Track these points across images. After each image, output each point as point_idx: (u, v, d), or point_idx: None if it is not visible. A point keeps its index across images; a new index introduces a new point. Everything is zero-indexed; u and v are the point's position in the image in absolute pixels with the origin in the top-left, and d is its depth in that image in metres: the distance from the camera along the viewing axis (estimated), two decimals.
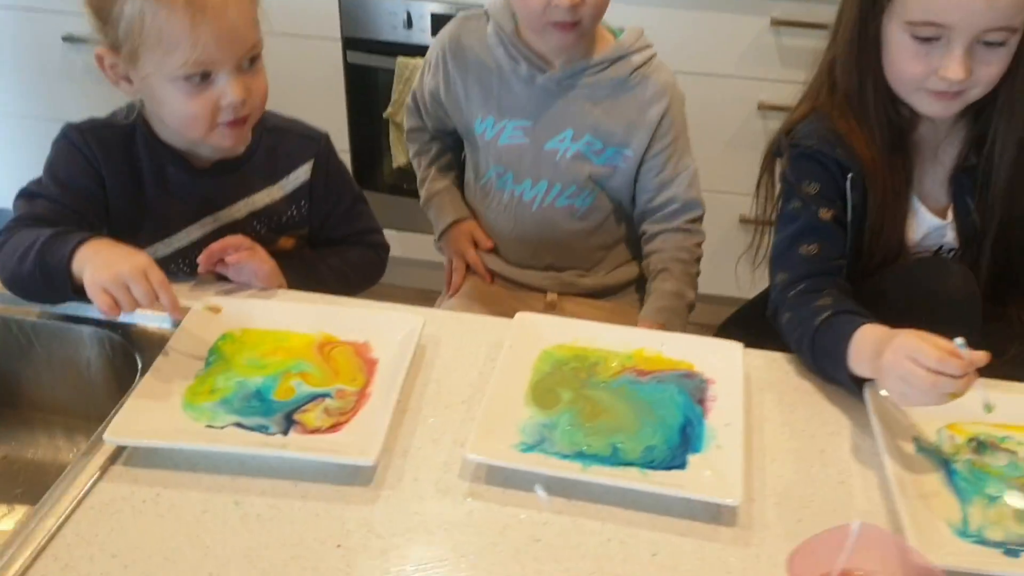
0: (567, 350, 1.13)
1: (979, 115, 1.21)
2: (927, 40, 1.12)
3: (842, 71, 1.23)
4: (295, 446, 0.97)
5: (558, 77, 1.41)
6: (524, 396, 1.05)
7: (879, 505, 0.95)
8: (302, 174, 1.33)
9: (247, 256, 1.21)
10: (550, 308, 1.52)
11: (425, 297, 2.58)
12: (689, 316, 1.46)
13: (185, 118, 1.16)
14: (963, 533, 0.90)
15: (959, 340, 0.95)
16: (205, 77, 1.13)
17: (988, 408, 0.97)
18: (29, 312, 1.19)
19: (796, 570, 0.78)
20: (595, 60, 1.40)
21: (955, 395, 0.94)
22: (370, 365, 1.09)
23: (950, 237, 1.25)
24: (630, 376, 1.09)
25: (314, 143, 1.34)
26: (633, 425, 1.01)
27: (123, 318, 1.14)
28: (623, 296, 1.55)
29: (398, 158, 2.62)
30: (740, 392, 1.04)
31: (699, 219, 1.49)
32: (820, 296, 1.18)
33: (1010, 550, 0.88)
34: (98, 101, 2.59)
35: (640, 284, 1.56)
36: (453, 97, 1.49)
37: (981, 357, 0.94)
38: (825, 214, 1.23)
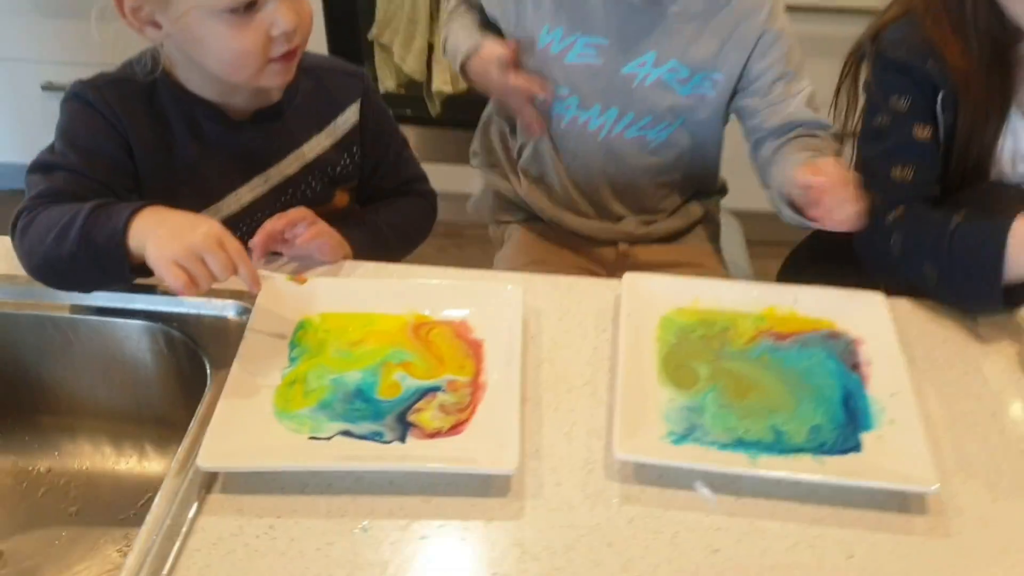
0: (689, 315, 1.01)
1: None
2: None
3: None
4: (421, 456, 0.85)
5: None
6: (656, 374, 0.94)
7: None
8: (350, 116, 1.17)
9: (316, 233, 1.06)
10: (622, 258, 1.38)
11: (447, 232, 2.42)
12: None
13: (234, 56, 1.00)
14: None
15: None
16: (250, 7, 0.97)
17: None
18: (62, 307, 1.03)
19: None
20: None
21: None
22: (475, 348, 0.96)
23: None
24: (768, 342, 0.98)
25: (358, 80, 1.19)
26: (789, 402, 0.90)
27: (174, 307, 1.01)
28: (693, 236, 1.42)
29: (385, 82, 2.44)
30: (898, 353, 0.94)
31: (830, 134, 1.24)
32: (930, 208, 1.08)
33: None
34: (43, 35, 2.34)
35: (708, 219, 1.43)
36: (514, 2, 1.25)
37: None
38: (921, 131, 1.11)
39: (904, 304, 1.06)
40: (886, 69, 1.13)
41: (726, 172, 1.46)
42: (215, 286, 0.91)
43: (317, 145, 1.15)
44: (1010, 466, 0.87)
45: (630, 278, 1.03)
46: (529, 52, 1.28)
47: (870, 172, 1.14)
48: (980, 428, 0.91)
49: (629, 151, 1.32)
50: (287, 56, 1.02)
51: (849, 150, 1.24)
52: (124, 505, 1.06)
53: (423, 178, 1.30)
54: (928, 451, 0.83)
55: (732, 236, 1.60)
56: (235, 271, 0.90)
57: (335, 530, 0.80)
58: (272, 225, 1.05)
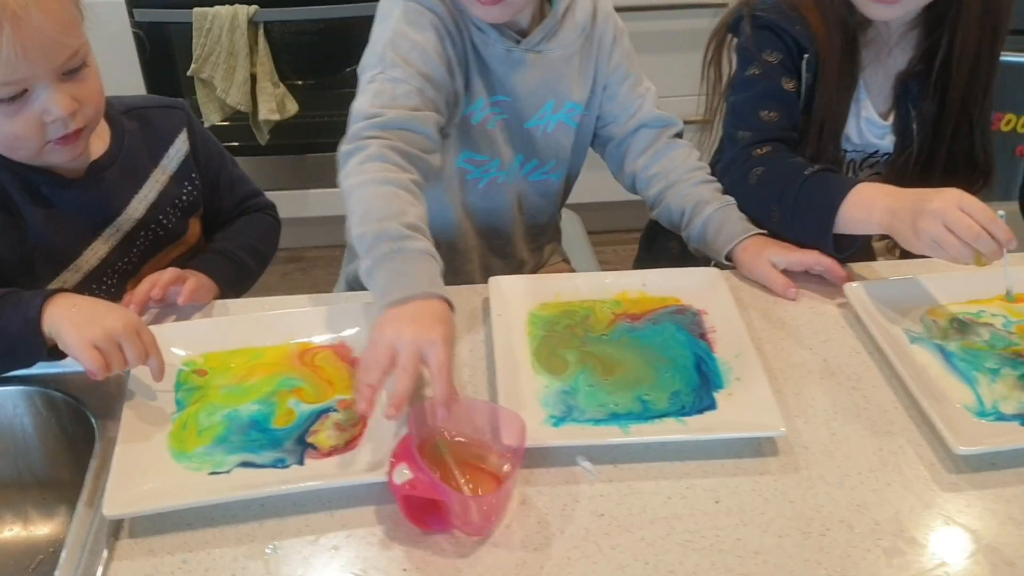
0: (553, 308, 1.10)
1: (937, 24, 1.23)
2: None
3: None
4: (320, 474, 0.89)
5: (533, 44, 1.20)
6: (531, 366, 1.01)
7: (894, 401, 0.99)
8: (181, 146, 1.21)
9: (192, 291, 1.10)
10: None
11: (289, 258, 2.44)
12: None
13: (6, 140, 1.02)
14: (982, 413, 0.95)
15: (1001, 212, 1.00)
16: (20, 94, 0.98)
17: (1009, 295, 1.06)
18: None
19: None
20: (551, 19, 1.21)
21: (980, 262, 1.00)
22: (356, 367, 1.01)
23: (887, 142, 1.29)
24: (625, 323, 1.07)
25: (180, 111, 1.23)
26: (650, 374, 1.00)
27: (50, 368, 1.01)
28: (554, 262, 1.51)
29: (210, 116, 2.45)
30: (738, 318, 1.05)
31: (680, 135, 1.34)
32: (794, 155, 1.21)
33: None
34: None
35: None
36: (451, 77, 1.17)
37: (1011, 237, 0.99)
38: (787, 83, 1.25)
39: (734, 274, 1.18)
40: (760, 28, 1.26)
41: None
42: None
43: (155, 183, 1.18)
44: (842, 403, 0.99)
45: (495, 281, 1.12)
46: (455, 124, 1.24)
47: (740, 114, 1.28)
48: (814, 374, 1.03)
49: (533, 193, 1.35)
50: (68, 137, 1.03)
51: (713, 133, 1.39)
52: (15, 571, 1.06)
53: (259, 192, 1.35)
54: (773, 400, 0.95)
55: (575, 231, 1.70)
56: (146, 360, 0.93)
57: (246, 554, 0.84)
58: (147, 292, 1.08)
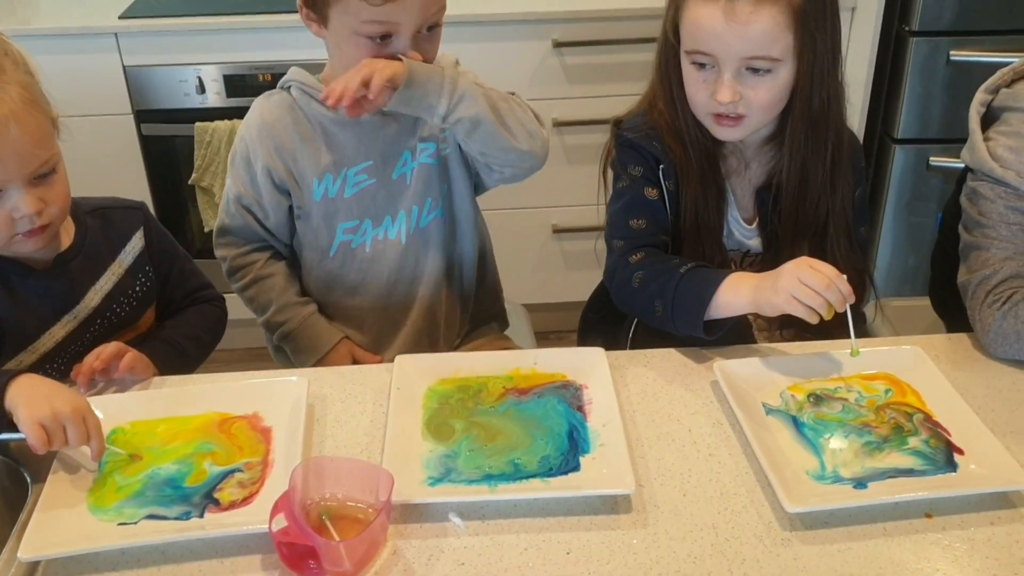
0: (450, 383, 1.21)
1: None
2: (703, 66, 1.28)
3: (660, 100, 1.38)
4: (215, 526, 1.00)
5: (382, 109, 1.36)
6: (420, 433, 1.13)
7: (747, 467, 1.09)
8: (137, 243, 1.36)
9: (129, 365, 1.23)
10: None
11: (254, 356, 2.57)
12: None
13: None
14: (821, 477, 1.05)
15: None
16: None
17: (855, 352, 1.19)
18: None
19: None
20: None
21: (830, 312, 1.15)
22: (265, 434, 1.13)
23: (756, 242, 1.42)
24: (513, 397, 1.18)
25: (138, 212, 1.39)
26: (526, 440, 1.11)
27: None
28: (487, 329, 1.64)
29: (208, 223, 2.63)
30: (611, 392, 1.16)
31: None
32: (668, 256, 1.34)
33: (859, 483, 1.03)
34: None
35: (499, 316, 1.67)
36: (286, 173, 1.43)
37: (851, 291, 1.15)
38: (650, 193, 1.38)
39: (623, 354, 1.30)
40: (623, 146, 1.41)
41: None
42: None
43: (112, 275, 1.33)
44: (697, 468, 1.09)
45: (400, 359, 1.24)
46: (306, 213, 1.47)
47: (614, 224, 1.41)
48: (676, 442, 1.13)
49: (434, 232, 1.51)
50: (33, 232, 1.19)
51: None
52: None
53: (209, 285, 1.49)
54: (629, 463, 1.05)
55: (520, 324, 1.82)
56: (87, 443, 1.06)
57: None
58: (91, 364, 1.21)
